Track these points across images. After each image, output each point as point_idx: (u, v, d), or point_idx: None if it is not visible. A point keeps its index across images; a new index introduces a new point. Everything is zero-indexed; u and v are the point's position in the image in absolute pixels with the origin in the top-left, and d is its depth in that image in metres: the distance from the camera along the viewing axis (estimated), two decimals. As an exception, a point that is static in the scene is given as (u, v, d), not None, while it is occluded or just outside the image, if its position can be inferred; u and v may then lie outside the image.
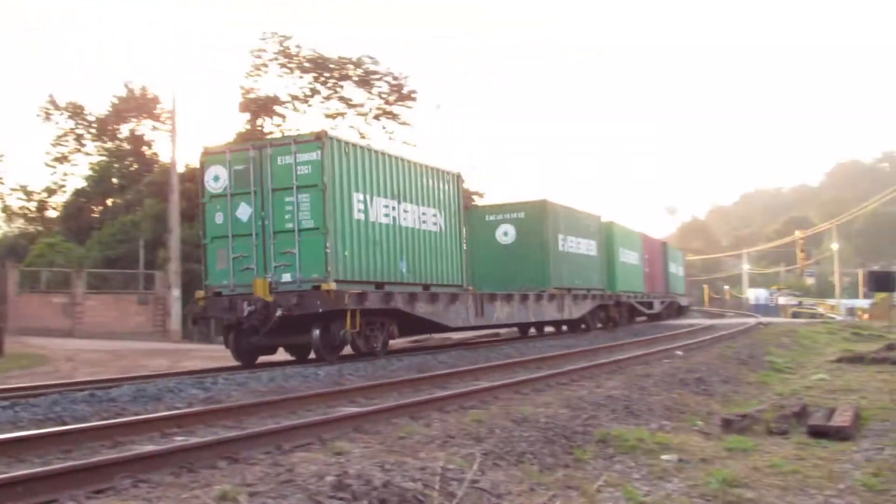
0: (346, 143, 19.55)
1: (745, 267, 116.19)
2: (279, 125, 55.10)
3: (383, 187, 20.49)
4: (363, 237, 19.66)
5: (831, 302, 71.31)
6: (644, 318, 43.10)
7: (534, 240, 29.52)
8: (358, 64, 55.70)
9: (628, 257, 39.22)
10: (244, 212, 19.19)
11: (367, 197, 19.86)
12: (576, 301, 31.42)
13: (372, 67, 55.96)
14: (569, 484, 7.85)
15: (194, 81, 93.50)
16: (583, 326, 33.17)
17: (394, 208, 20.78)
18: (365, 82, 56.22)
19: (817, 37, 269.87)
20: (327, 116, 57.20)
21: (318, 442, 9.06)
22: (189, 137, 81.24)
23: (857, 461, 8.94)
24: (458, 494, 6.83)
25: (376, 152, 20.63)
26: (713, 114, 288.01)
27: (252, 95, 53.87)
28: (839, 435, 10.24)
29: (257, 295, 18.46)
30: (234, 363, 19.96)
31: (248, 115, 53.49)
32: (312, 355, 20.25)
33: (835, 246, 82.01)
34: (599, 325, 34.56)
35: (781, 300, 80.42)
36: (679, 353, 20.91)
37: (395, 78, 56.42)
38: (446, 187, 23.28)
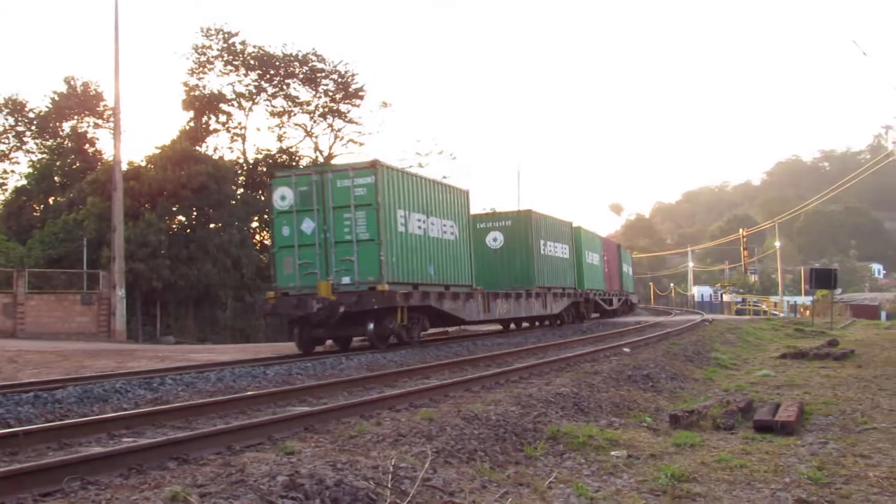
0: (392, 169, 23.51)
1: (691, 264, 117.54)
2: (224, 123, 54.66)
3: (416, 204, 24.41)
4: (403, 246, 23.51)
5: (774, 299, 71.78)
6: (599, 314, 45.48)
7: (520, 245, 32.81)
8: (304, 62, 55.38)
9: (592, 258, 42.51)
10: (308, 226, 23.10)
11: (406, 212, 23.85)
12: (556, 298, 34.76)
13: (318, 65, 55.67)
14: (520, 481, 7.89)
15: (138, 78, 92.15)
16: (558, 322, 36.48)
17: (423, 221, 24.68)
18: (311, 80, 55.91)
19: (758, 37, 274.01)
20: (273, 115, 56.85)
21: (269, 442, 9.04)
22: (133, 135, 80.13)
23: (801, 455, 9.07)
24: (410, 492, 6.83)
25: (411, 175, 24.82)
26: (657, 112, 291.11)
27: (196, 93, 53.34)
28: (784, 430, 10.36)
29: (322, 294, 22.12)
30: (181, 364, 20.27)
31: (191, 113, 52.99)
32: (353, 345, 25.35)
33: (777, 244, 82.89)
34: (570, 320, 37.67)
35: (726, 297, 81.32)
36: (627, 349, 20.99)
37: (342, 76, 56.18)
38: (459, 201, 27.11)
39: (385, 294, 22.00)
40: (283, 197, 23.54)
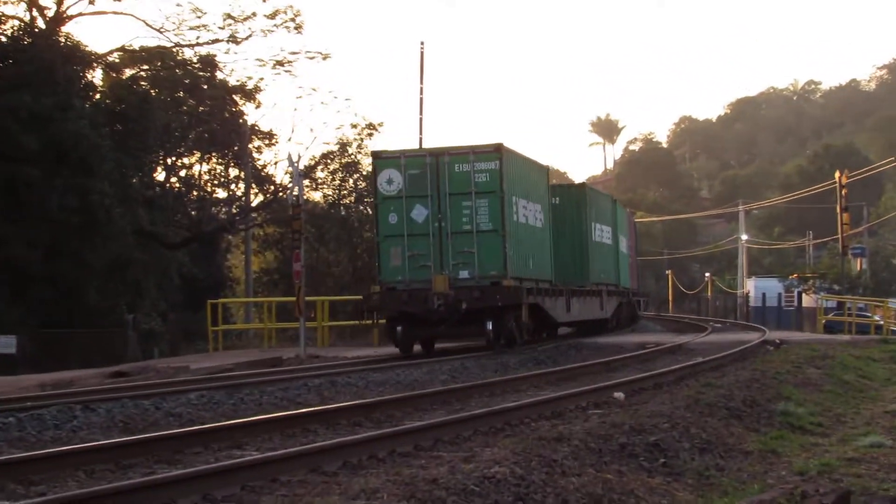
0: (513, 153, 23.37)
1: (743, 237, 78.29)
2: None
3: (522, 188, 23.83)
4: (519, 237, 23.30)
5: (897, 304, 40.56)
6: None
7: (571, 229, 29.36)
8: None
9: (623, 244, 36.24)
10: (420, 213, 22.27)
11: (519, 200, 23.51)
12: (609, 298, 32.35)
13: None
14: None
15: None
16: (612, 325, 33.63)
17: (526, 208, 23.99)
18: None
19: None
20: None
21: None
22: None
23: None
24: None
25: (520, 156, 24.36)
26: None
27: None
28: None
29: (437, 290, 21.51)
30: None
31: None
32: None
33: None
34: (616, 325, 34.59)
35: (807, 300, 54.04)
36: (619, 395, 14.22)
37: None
38: (542, 180, 26.25)
39: (511, 290, 21.90)
40: (389, 180, 22.69)
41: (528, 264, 23.73)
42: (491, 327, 22.12)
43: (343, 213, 41.34)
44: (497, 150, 22.17)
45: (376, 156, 23.63)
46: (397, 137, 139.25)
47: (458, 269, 22.06)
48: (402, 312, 22.19)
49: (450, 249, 22.11)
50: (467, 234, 22.06)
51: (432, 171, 22.26)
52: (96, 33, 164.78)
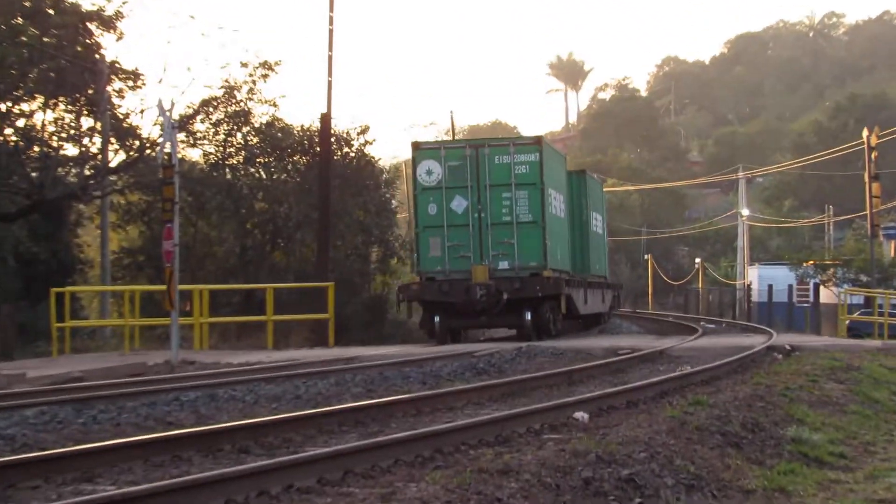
0: (547, 145, 29.99)
1: (744, 212, 78.20)
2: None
3: (555, 181, 29.94)
4: (553, 229, 29.15)
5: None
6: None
7: (575, 218, 34.96)
8: None
9: (599, 225, 39.64)
10: (459, 204, 28.14)
11: (554, 192, 29.64)
12: (606, 291, 39.29)
13: None
14: None
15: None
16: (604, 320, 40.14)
17: (555, 198, 29.73)
18: None
19: None
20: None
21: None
22: None
23: None
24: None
25: (553, 149, 31.41)
26: None
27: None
28: None
29: (477, 280, 27.28)
30: None
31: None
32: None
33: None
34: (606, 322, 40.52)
35: (825, 294, 53.74)
36: (581, 417, 14.46)
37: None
38: (562, 167, 32.86)
39: (551, 281, 27.84)
40: (429, 171, 28.33)
41: (557, 255, 29.28)
42: (531, 318, 28.03)
43: (229, 176, 40.90)
44: (537, 143, 28.38)
45: (416, 146, 29.58)
46: (299, 82, 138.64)
47: (498, 260, 27.94)
48: (441, 302, 28.00)
49: (489, 240, 28.01)
50: (507, 225, 27.98)
51: (472, 163, 28.17)
52: None
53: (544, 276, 27.40)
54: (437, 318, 28.37)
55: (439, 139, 55.46)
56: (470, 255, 27.86)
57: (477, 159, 28.08)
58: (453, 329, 29.02)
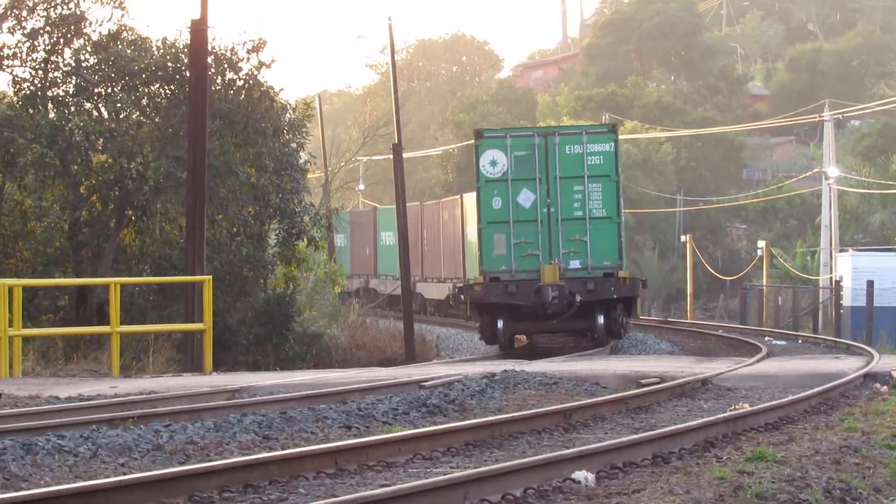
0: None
1: (832, 172, 76.87)
2: None
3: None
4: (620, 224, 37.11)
5: None
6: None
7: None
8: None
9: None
10: (526, 198, 35.20)
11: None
12: None
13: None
14: None
15: None
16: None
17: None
18: None
19: None
20: None
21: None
22: None
23: None
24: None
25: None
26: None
27: None
28: None
29: (548, 281, 34.20)
30: None
31: None
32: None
33: None
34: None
35: None
36: (584, 477, 14.47)
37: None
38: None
39: (628, 282, 34.63)
40: (493, 162, 35.12)
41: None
42: (603, 322, 34.98)
43: (53, 115, 40.46)
44: (612, 131, 35.44)
45: (479, 135, 37.20)
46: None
47: (569, 259, 34.84)
48: (506, 305, 34.82)
49: (559, 237, 34.92)
50: (579, 220, 34.83)
51: (540, 153, 35.28)
52: None
53: (620, 277, 34.10)
54: (500, 323, 35.04)
55: (381, 66, 53.63)
56: (538, 254, 34.66)
57: (546, 148, 35.03)
58: (520, 334, 37.06)
